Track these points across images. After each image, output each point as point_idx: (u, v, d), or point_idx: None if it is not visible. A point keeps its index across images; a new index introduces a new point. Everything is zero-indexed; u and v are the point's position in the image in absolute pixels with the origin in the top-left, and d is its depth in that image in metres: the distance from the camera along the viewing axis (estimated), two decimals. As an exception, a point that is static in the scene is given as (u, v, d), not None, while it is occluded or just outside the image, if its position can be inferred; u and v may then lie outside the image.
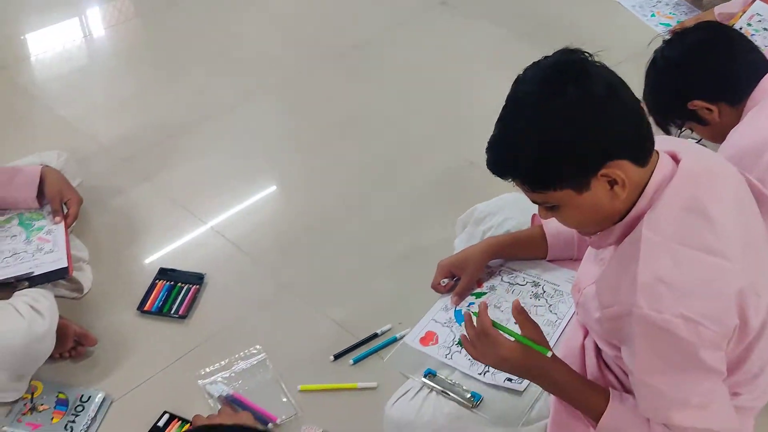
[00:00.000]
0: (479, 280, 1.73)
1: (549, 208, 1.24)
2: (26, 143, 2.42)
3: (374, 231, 2.16)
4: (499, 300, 1.69)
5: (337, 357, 1.81)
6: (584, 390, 1.35)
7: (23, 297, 1.63)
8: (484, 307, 1.34)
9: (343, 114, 2.64)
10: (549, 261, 1.73)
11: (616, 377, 1.41)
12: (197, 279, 1.99)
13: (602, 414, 1.29)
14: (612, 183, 1.16)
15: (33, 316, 1.59)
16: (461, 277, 1.69)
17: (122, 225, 2.17)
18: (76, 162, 2.16)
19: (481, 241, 1.74)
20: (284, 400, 1.71)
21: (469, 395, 1.48)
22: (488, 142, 1.21)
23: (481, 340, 1.34)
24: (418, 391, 1.51)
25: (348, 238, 2.15)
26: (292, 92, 2.76)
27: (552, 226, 1.67)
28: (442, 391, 1.50)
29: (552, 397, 1.40)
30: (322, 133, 2.56)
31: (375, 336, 1.86)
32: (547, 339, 1.57)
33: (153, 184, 2.31)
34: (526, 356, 1.31)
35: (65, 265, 1.72)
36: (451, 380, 1.52)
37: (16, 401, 1.65)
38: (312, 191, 2.32)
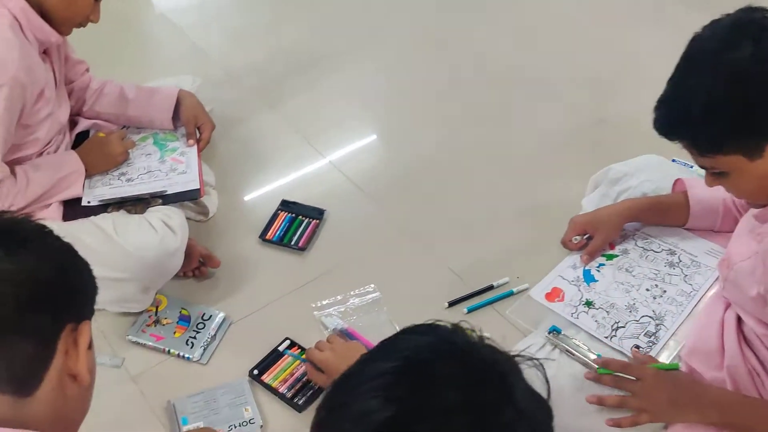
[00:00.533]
0: (612, 242, 1.63)
1: (716, 175, 1.13)
2: (162, 67, 2.46)
3: (499, 181, 2.07)
4: (632, 264, 1.59)
5: (451, 304, 1.76)
6: (752, 403, 1.26)
7: (157, 213, 1.64)
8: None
9: (472, 59, 2.52)
10: (687, 229, 1.61)
11: (756, 356, 1.30)
12: (318, 214, 1.96)
13: None
14: None
15: (166, 232, 1.61)
16: (594, 236, 1.59)
17: (248, 153, 2.17)
18: (210, 88, 2.16)
19: (620, 202, 1.63)
20: (396, 340, 1.68)
21: (593, 356, 1.41)
22: (657, 101, 1.13)
23: (623, 381, 1.32)
24: (540, 348, 1.44)
25: (472, 187, 2.06)
26: (423, 34, 2.67)
27: (697, 193, 1.55)
28: (567, 350, 1.42)
29: None
30: (453, 77, 2.46)
31: (491, 288, 1.79)
32: (680, 310, 1.48)
33: (280, 115, 2.29)
34: (670, 378, 1.29)
35: (197, 186, 1.73)
36: (576, 341, 1.45)
37: (141, 313, 1.69)
38: (436, 137, 2.24)
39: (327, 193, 2.03)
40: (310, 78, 2.43)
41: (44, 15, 1.52)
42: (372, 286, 1.79)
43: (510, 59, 2.51)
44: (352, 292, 1.77)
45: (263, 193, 2.05)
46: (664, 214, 1.62)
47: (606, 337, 1.45)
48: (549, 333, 1.46)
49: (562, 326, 1.47)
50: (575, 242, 1.62)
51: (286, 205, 1.99)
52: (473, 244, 1.91)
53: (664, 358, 1.41)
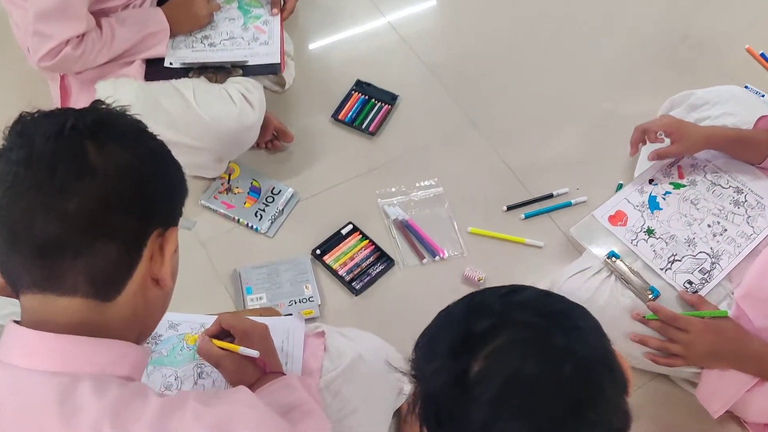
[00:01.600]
0: (680, 168, 1.55)
1: None
2: None
3: (573, 86, 1.96)
4: (698, 197, 1.52)
5: (510, 208, 1.73)
6: None
7: (236, 85, 1.59)
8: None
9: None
10: (760, 168, 1.52)
11: None
12: (391, 99, 1.90)
13: None
14: None
15: (244, 106, 1.57)
16: (674, 143, 1.49)
17: (328, 26, 2.07)
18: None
19: (707, 126, 1.53)
20: (453, 237, 1.67)
21: (648, 288, 1.38)
22: None
23: (670, 330, 1.29)
24: (597, 272, 1.42)
25: (546, 90, 1.95)
26: None
27: None
28: (622, 278, 1.40)
29: None
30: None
31: (550, 196, 1.75)
32: (738, 251, 1.42)
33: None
34: (717, 328, 1.26)
35: (278, 60, 1.66)
36: (634, 269, 1.41)
37: (214, 179, 1.69)
38: (518, 31, 2.10)
39: (402, 79, 1.95)
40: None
41: None
42: (435, 179, 1.76)
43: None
44: (416, 185, 1.75)
45: (339, 70, 1.97)
46: (745, 149, 1.52)
47: (661, 269, 1.42)
48: (608, 258, 1.43)
49: (621, 254, 1.44)
50: (660, 137, 1.52)
51: (360, 86, 1.92)
52: (538, 148, 1.84)
53: (715, 299, 1.38)
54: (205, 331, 1.19)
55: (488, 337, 0.72)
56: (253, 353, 1.10)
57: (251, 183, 1.70)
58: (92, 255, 0.73)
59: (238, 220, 1.64)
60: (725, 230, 1.47)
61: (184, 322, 1.30)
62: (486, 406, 0.69)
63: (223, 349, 1.13)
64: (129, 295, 0.77)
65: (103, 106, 0.80)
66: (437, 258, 1.63)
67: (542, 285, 1.47)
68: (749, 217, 1.48)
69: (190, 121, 1.52)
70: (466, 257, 1.64)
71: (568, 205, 1.74)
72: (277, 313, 1.34)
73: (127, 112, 0.81)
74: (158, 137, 0.82)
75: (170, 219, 0.82)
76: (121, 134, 0.76)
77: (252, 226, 1.63)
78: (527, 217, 1.72)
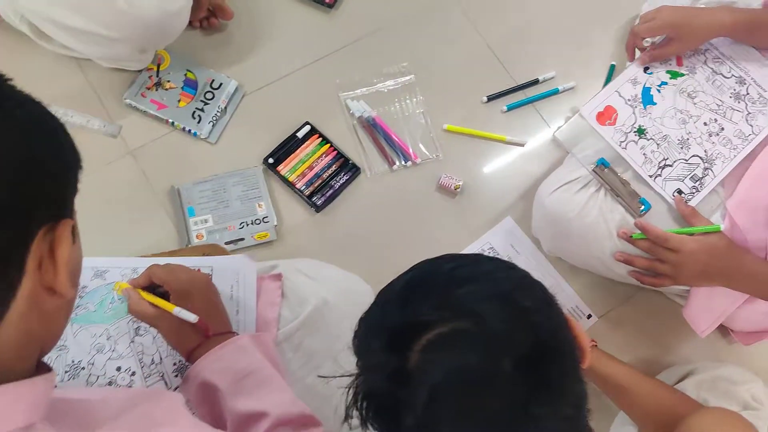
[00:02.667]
0: (681, 55, 1.30)
1: None
2: None
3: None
4: (696, 89, 1.28)
5: (490, 99, 1.46)
6: None
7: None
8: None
9: None
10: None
11: None
12: (349, -39, 1.54)
13: None
14: None
15: (168, -15, 1.21)
16: (672, 41, 1.25)
17: None
18: None
19: (719, 11, 1.25)
20: (427, 136, 1.40)
21: (638, 201, 1.17)
22: None
23: (659, 250, 1.13)
24: (584, 186, 1.20)
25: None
26: None
27: None
28: (612, 190, 1.18)
29: None
30: None
31: (536, 82, 1.48)
32: (733, 154, 1.22)
33: None
34: (711, 244, 1.09)
35: None
36: (624, 179, 1.20)
37: (140, 71, 1.36)
38: None
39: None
40: None
41: None
42: (405, 64, 1.46)
43: None
44: (383, 71, 1.44)
45: None
46: (757, 32, 1.27)
47: (650, 176, 1.21)
48: (596, 166, 1.20)
49: (611, 160, 1.21)
50: (647, 45, 1.28)
51: (312, -56, 1.54)
52: (521, 25, 1.53)
53: (707, 209, 1.18)
54: (131, 281, 0.95)
55: (426, 326, 0.63)
56: (191, 317, 0.89)
57: (185, 75, 1.37)
58: None
59: (173, 123, 1.33)
60: (722, 129, 1.25)
61: (113, 267, 1.05)
62: (421, 407, 0.62)
63: (156, 306, 0.92)
64: (15, 318, 0.55)
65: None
66: (409, 163, 1.38)
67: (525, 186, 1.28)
68: (749, 114, 1.26)
69: (101, 6, 1.16)
70: (442, 160, 1.39)
71: (555, 92, 1.47)
72: (224, 251, 1.10)
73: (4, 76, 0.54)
74: (38, 102, 0.56)
75: (61, 209, 0.56)
76: None
77: (190, 131, 1.33)
78: (509, 108, 1.45)
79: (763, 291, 1.12)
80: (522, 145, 1.44)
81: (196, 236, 1.24)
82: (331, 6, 1.49)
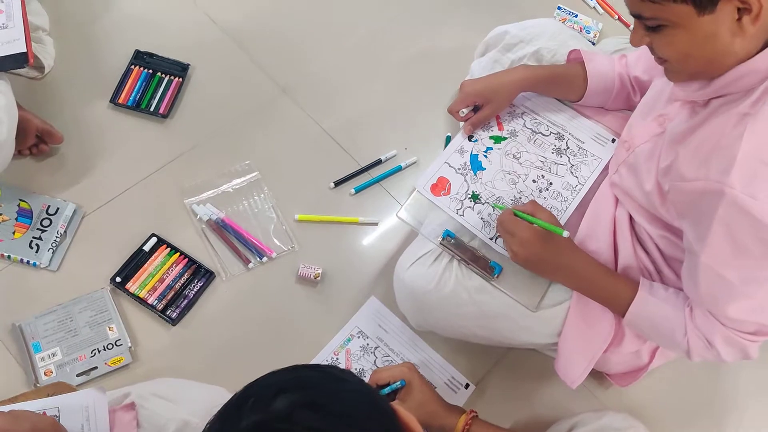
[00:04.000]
0: (500, 120, 1.39)
1: (650, 30, 0.92)
2: None
3: (381, 33, 1.70)
4: (519, 149, 1.36)
5: (337, 184, 1.49)
6: (609, 279, 1.14)
7: (-30, 90, 1.18)
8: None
9: None
10: (576, 107, 1.39)
11: (650, 258, 1.17)
12: (181, 70, 1.54)
13: (629, 305, 1.09)
14: (742, 11, 0.84)
15: (-18, 120, 1.17)
16: (484, 106, 1.34)
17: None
18: None
19: (515, 69, 1.36)
20: (279, 229, 1.41)
21: (489, 266, 1.22)
22: None
23: (503, 227, 1.15)
24: (437, 257, 1.23)
25: (354, 40, 1.68)
26: None
27: (595, 66, 1.32)
28: (462, 260, 1.22)
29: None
30: None
31: (379, 162, 1.53)
32: (565, 206, 1.30)
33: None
34: (544, 239, 1.12)
35: (24, 49, 1.24)
36: (472, 245, 1.24)
37: (-32, 206, 1.29)
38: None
39: (192, 45, 1.58)
40: None
41: None
42: (248, 162, 1.47)
43: None
44: (226, 170, 1.44)
45: (113, 41, 1.57)
46: (561, 85, 1.38)
47: (491, 239, 1.26)
48: (443, 239, 1.24)
49: (455, 229, 1.26)
50: (462, 115, 1.36)
51: (140, 57, 1.54)
52: (358, 107, 1.59)
53: None
54: None
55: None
56: None
57: (18, 205, 1.31)
58: None
59: (9, 256, 1.26)
60: (551, 184, 1.34)
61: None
62: None
63: None
64: None
65: None
66: (265, 259, 1.37)
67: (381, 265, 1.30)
68: (572, 166, 1.35)
69: None
70: (298, 251, 1.39)
71: (399, 169, 1.52)
72: (71, 388, 1.03)
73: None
74: None
75: None
76: None
77: (28, 261, 1.26)
78: (357, 191, 1.48)
79: (583, 287, 1.16)
80: (375, 224, 1.46)
81: (45, 373, 1.16)
82: (164, 116, 1.49)
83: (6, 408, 0.95)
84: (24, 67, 1.28)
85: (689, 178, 0.95)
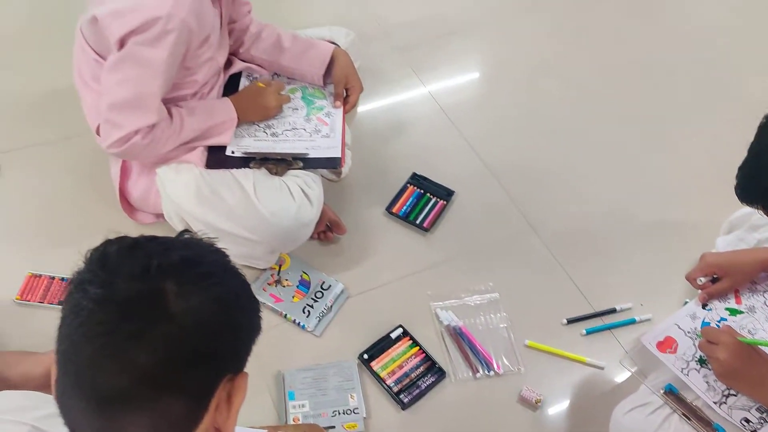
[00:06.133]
0: (738, 293, 1.39)
1: None
2: (315, 6, 2.26)
3: (640, 195, 1.82)
4: (755, 326, 1.34)
5: (570, 321, 1.57)
6: None
7: (297, 179, 1.48)
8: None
9: (623, 57, 2.21)
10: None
11: None
12: (446, 194, 1.78)
13: None
14: None
15: (303, 202, 1.45)
16: (723, 279, 1.35)
17: (385, 116, 1.97)
18: (360, 44, 1.96)
19: (760, 249, 1.38)
20: (509, 349, 1.51)
21: (712, 428, 1.20)
22: (738, 168, 1.06)
23: (706, 337, 1.22)
24: (656, 409, 1.25)
25: (613, 196, 1.82)
26: (573, 15, 2.36)
27: None
28: (684, 414, 1.22)
29: None
30: (598, 73, 2.16)
31: (613, 311, 1.59)
32: None
33: (423, 82, 2.06)
34: (750, 347, 1.16)
35: (339, 155, 1.55)
36: (695, 404, 1.24)
37: (264, 270, 1.57)
38: (583, 137, 1.96)
39: (459, 175, 1.82)
40: (459, 47, 2.18)
41: None
42: (491, 284, 1.61)
43: (671, 59, 2.19)
44: (471, 288, 1.60)
45: (396, 162, 1.85)
46: None
47: (715, 403, 1.24)
48: (665, 392, 1.26)
49: (679, 385, 1.27)
50: (700, 284, 1.39)
51: (416, 179, 1.80)
52: (602, 257, 1.69)
53: None
54: None
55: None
56: None
57: (301, 275, 1.57)
58: (157, 410, 0.62)
59: (285, 315, 1.50)
60: None
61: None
62: None
63: None
64: None
65: (190, 237, 0.69)
66: (492, 372, 1.47)
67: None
68: None
69: (248, 214, 1.41)
70: (523, 374, 1.47)
71: (632, 322, 1.57)
72: (322, 431, 1.19)
73: (214, 245, 0.70)
74: (241, 274, 0.70)
75: (241, 363, 0.69)
76: (206, 275, 0.65)
77: (299, 323, 1.49)
78: (589, 332, 1.55)
79: None
80: (601, 368, 1.51)
81: (293, 419, 1.34)
82: (427, 230, 1.70)
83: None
84: (336, 168, 1.58)
85: None
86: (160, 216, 1.56)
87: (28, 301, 1.49)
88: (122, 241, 0.66)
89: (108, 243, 0.66)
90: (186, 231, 0.70)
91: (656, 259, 1.69)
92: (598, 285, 1.64)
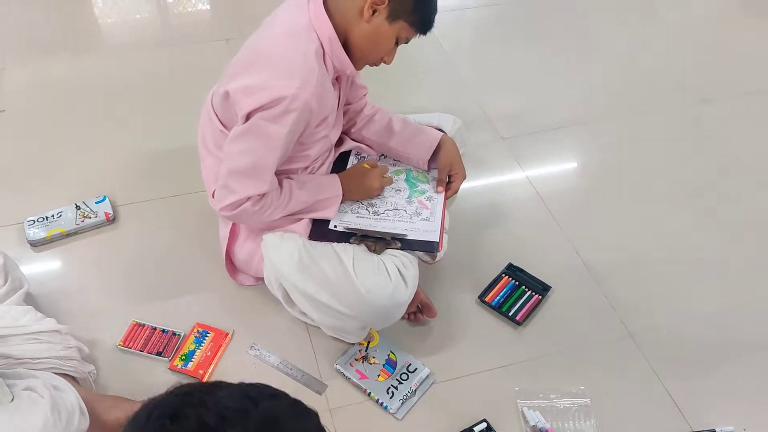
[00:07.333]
0: None
1: None
2: (426, 93, 2.34)
3: (744, 311, 1.73)
4: None
5: (665, 438, 1.48)
6: None
7: (394, 258, 1.50)
8: None
9: (743, 167, 2.15)
10: None
11: None
12: (542, 289, 1.75)
13: None
14: None
15: (398, 282, 1.47)
16: None
17: (485, 204, 1.99)
18: (466, 131, 2.00)
19: None
20: (596, 459, 1.43)
21: None
22: None
23: None
24: None
25: (714, 308, 1.73)
26: (688, 119, 2.33)
27: None
28: None
29: None
30: (714, 182, 2.10)
31: (712, 432, 1.49)
32: None
33: (526, 173, 2.08)
34: None
35: (437, 239, 1.56)
36: None
37: (353, 344, 1.58)
38: (686, 247, 1.91)
39: (556, 271, 1.79)
40: (564, 140, 2.20)
41: (346, 46, 1.43)
42: (582, 387, 1.55)
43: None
44: (560, 389, 1.54)
45: (491, 251, 1.85)
46: None
47: None
48: None
49: None
50: None
51: (512, 270, 1.79)
52: (704, 372, 1.60)
53: None
54: None
55: None
56: None
57: (388, 355, 1.56)
58: None
59: (369, 393, 1.49)
60: None
61: None
62: None
63: None
64: None
65: (274, 393, 0.72)
66: (574, 482, 1.40)
67: None
68: None
69: (345, 288, 1.44)
70: (614, 486, 1.39)
71: (722, 451, 1.47)
72: None
73: (299, 403, 0.72)
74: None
75: None
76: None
77: (382, 404, 1.48)
78: (682, 455, 1.46)
79: None
80: (695, 493, 1.40)
81: (367, 503, 1.31)
82: (519, 323, 1.67)
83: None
84: (433, 252, 1.60)
85: None
86: (260, 279, 1.62)
87: (130, 348, 1.56)
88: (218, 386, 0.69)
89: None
90: (269, 387, 0.72)
91: (764, 385, 1.58)
92: (697, 401, 1.54)
